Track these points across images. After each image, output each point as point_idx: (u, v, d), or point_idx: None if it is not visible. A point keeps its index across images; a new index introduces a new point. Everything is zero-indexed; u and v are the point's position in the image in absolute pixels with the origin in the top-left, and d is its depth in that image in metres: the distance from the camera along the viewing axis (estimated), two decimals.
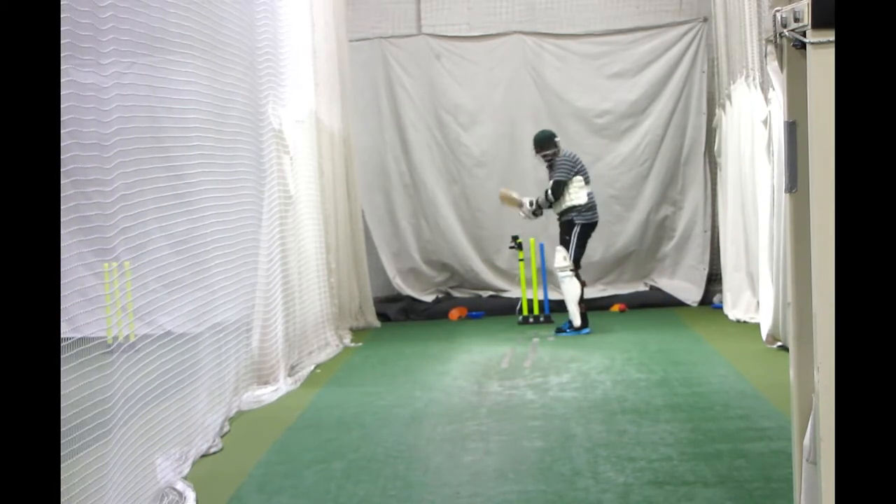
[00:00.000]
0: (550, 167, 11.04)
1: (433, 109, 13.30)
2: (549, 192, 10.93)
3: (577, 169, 10.99)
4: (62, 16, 4.42)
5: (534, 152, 11.19)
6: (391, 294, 13.35)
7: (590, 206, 11.02)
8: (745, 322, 10.89)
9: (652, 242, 13.28)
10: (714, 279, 12.86)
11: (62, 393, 3.02)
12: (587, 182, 11.03)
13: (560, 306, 11.52)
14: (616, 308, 12.72)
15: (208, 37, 7.53)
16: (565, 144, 12.09)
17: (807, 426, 3.67)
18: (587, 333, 10.93)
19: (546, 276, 12.13)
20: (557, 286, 11.68)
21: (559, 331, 11.07)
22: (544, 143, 11.07)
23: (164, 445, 6.02)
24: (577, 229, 10.95)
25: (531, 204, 11.20)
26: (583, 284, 11.13)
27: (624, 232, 13.22)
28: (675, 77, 13.07)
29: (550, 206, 11.03)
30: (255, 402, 8.06)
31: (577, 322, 10.97)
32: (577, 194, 10.94)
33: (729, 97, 11.31)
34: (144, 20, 6.26)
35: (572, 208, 10.94)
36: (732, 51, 11.18)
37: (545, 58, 13.21)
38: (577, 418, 7.14)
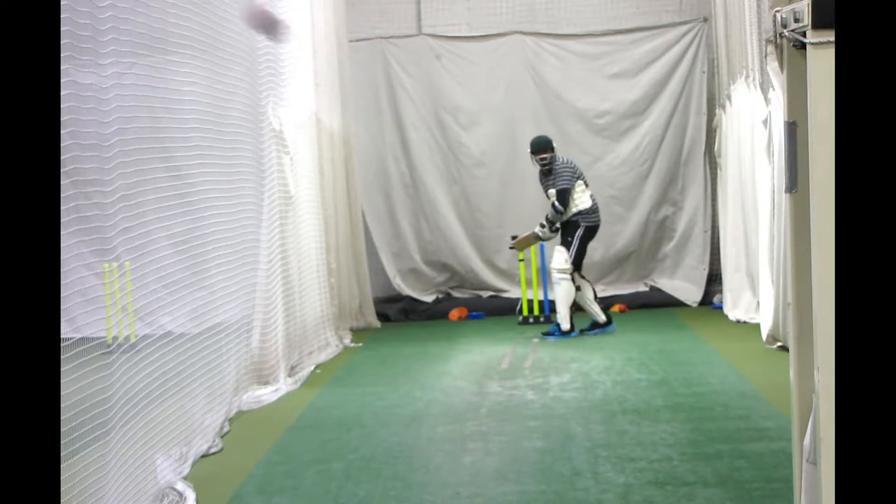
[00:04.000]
0: (547, 173, 10.96)
1: (433, 109, 13.30)
2: (556, 203, 10.84)
3: (578, 174, 10.96)
4: (62, 16, 4.42)
5: (530, 155, 11.09)
6: (391, 294, 13.35)
7: (594, 209, 10.98)
8: (745, 322, 10.89)
9: (652, 243, 13.29)
10: (714, 279, 12.86)
11: (62, 393, 3.02)
12: (587, 185, 11.02)
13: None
14: (616, 308, 12.71)
15: (208, 37, 7.52)
16: (565, 145, 12.11)
17: (807, 426, 3.67)
18: (574, 337, 10.82)
19: (546, 276, 12.12)
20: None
21: (547, 334, 10.95)
22: (544, 146, 10.96)
23: (164, 445, 6.03)
24: (581, 231, 10.89)
25: (542, 226, 11.05)
26: (590, 283, 11.10)
27: (624, 232, 13.22)
28: (675, 77, 13.08)
29: (561, 215, 10.90)
30: (255, 402, 8.06)
31: (565, 326, 10.86)
32: (581, 199, 10.90)
33: (729, 97, 11.31)
34: (144, 20, 6.26)
35: (578, 213, 10.90)
36: (732, 51, 11.18)
37: (545, 58, 13.22)
38: (578, 419, 7.14)
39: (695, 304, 12.76)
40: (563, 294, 10.85)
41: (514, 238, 11.90)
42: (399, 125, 13.33)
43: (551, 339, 10.80)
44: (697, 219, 13.17)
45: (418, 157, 13.34)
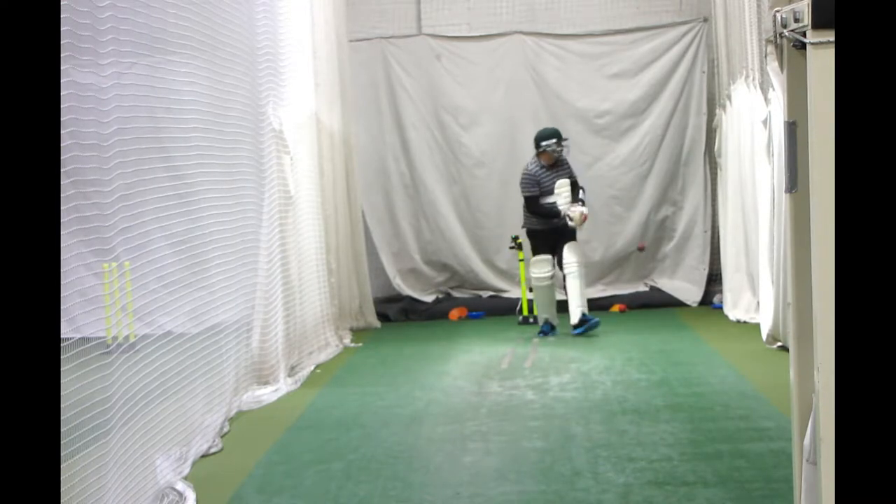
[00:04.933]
0: (560, 164, 10.96)
1: (433, 109, 13.29)
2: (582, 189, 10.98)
3: None
4: (62, 16, 4.42)
5: (553, 143, 10.90)
6: (391, 294, 13.34)
7: None
8: (745, 322, 10.89)
9: (652, 243, 13.28)
10: (714, 279, 12.85)
11: (62, 393, 3.01)
12: None
13: (561, 306, 11.43)
14: (616, 308, 12.71)
15: (208, 37, 7.52)
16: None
17: (807, 426, 3.67)
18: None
19: None
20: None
21: (577, 327, 10.82)
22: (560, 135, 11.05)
23: (164, 445, 6.02)
24: None
25: (582, 201, 10.96)
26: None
27: (624, 232, 13.22)
28: (675, 77, 13.07)
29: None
30: (255, 402, 8.06)
31: (587, 312, 10.93)
32: None
33: (729, 97, 11.31)
34: (144, 20, 6.25)
35: None
36: (732, 51, 11.18)
37: (545, 58, 13.21)
38: (578, 419, 7.14)
39: (695, 304, 12.76)
40: (582, 285, 10.82)
41: (515, 239, 11.91)
42: (399, 125, 13.33)
43: (579, 330, 10.77)
44: (697, 219, 13.16)
45: (418, 157, 13.34)
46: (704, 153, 13.06)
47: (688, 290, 12.96)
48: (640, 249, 12.98)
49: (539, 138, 11.02)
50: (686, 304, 12.77)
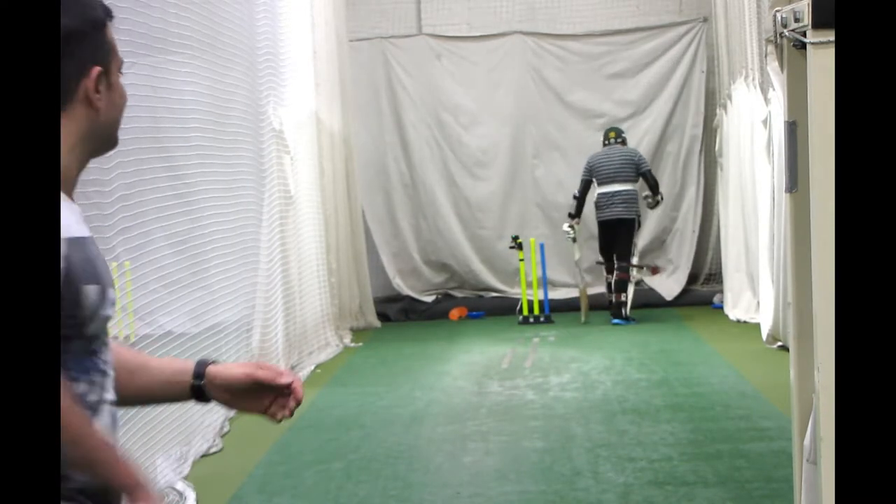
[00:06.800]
0: None
1: (433, 109, 13.30)
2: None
3: (588, 167, 11.60)
4: None
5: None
6: (391, 294, 13.35)
7: (597, 205, 11.48)
8: (745, 322, 10.90)
9: (647, 242, 13.31)
10: (697, 278, 13.07)
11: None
12: (599, 182, 11.43)
13: (560, 306, 11.51)
14: None
15: (208, 37, 7.52)
16: (565, 144, 12.16)
17: (807, 426, 3.67)
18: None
19: (546, 276, 12.13)
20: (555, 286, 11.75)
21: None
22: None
23: (164, 445, 6.02)
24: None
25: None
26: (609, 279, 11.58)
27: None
28: (675, 77, 13.08)
29: (575, 199, 11.70)
30: None
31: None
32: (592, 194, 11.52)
33: (729, 97, 11.32)
34: (144, 20, 6.26)
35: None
36: (732, 51, 11.19)
37: (545, 58, 13.22)
38: (578, 418, 7.14)
39: (670, 298, 12.84)
40: None
41: (515, 239, 11.92)
42: (399, 125, 13.33)
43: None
44: (689, 218, 13.20)
45: (418, 157, 13.34)
46: (700, 153, 13.08)
47: (669, 287, 13.02)
48: (654, 272, 13.20)
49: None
50: (664, 298, 12.87)
